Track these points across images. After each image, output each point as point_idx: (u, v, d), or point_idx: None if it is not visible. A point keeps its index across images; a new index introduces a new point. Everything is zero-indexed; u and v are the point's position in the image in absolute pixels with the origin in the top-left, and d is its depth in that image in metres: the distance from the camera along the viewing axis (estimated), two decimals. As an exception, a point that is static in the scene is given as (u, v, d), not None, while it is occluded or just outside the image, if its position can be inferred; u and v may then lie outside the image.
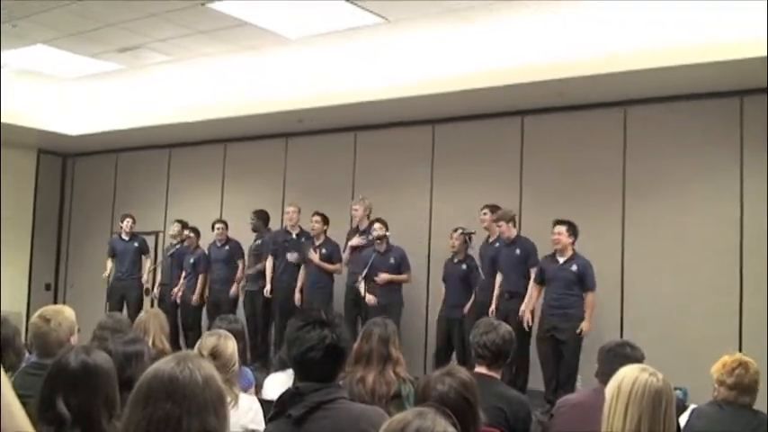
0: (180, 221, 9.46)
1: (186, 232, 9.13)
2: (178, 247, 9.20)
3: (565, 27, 6.58)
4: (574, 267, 6.54)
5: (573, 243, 6.61)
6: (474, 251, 7.32)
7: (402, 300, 7.65)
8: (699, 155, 7.02)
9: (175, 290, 9.04)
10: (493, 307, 6.92)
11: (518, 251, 6.94)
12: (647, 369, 2.28)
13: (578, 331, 6.41)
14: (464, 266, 7.43)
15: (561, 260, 6.62)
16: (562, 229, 6.59)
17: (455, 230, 7.51)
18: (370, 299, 7.53)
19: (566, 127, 7.71)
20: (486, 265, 7.11)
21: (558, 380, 6.46)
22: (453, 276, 7.49)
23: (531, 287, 6.77)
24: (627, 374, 2.27)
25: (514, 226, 7.06)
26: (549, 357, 6.57)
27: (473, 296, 7.26)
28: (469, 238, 7.31)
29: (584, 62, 6.52)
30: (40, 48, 7.99)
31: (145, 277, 9.41)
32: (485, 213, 7.29)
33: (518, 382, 6.71)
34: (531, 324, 6.66)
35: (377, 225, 7.66)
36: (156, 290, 9.41)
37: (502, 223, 7.03)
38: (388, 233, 7.64)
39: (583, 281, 6.52)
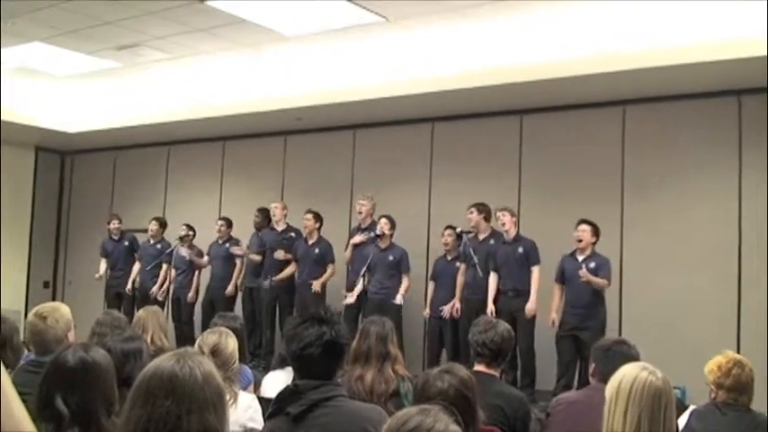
0: (157, 219, 9.46)
1: (184, 228, 9.07)
2: (176, 245, 9.17)
3: (564, 26, 6.58)
4: (592, 264, 6.54)
5: (595, 243, 6.64)
6: (466, 248, 7.23)
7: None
8: (697, 154, 7.01)
9: (162, 287, 9.05)
10: (491, 306, 6.87)
11: (521, 249, 6.91)
12: (647, 368, 2.27)
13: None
14: (458, 264, 7.39)
15: (580, 258, 6.63)
16: (586, 227, 6.63)
17: (446, 228, 7.51)
18: (349, 298, 7.48)
19: (565, 126, 7.70)
20: (482, 262, 7.04)
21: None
22: (448, 274, 7.45)
23: (554, 287, 6.74)
24: (627, 373, 2.26)
25: (516, 225, 7.02)
26: (568, 355, 6.54)
27: (461, 294, 7.22)
28: (461, 236, 7.26)
29: (583, 61, 6.50)
30: (37, 45, 7.98)
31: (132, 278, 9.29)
32: (471, 212, 7.23)
33: (524, 381, 6.70)
34: (555, 324, 6.64)
35: (382, 221, 7.60)
36: (133, 286, 9.26)
37: (506, 214, 6.96)
38: (387, 231, 7.57)
39: (597, 275, 6.49)
